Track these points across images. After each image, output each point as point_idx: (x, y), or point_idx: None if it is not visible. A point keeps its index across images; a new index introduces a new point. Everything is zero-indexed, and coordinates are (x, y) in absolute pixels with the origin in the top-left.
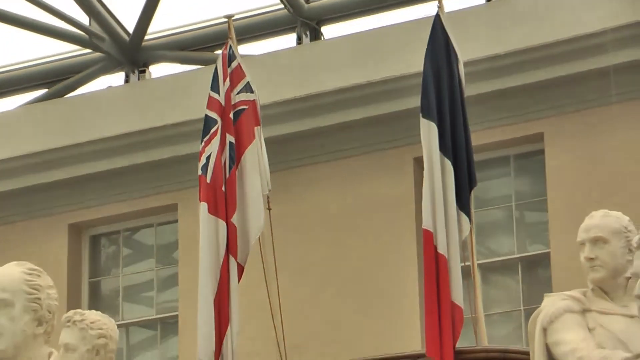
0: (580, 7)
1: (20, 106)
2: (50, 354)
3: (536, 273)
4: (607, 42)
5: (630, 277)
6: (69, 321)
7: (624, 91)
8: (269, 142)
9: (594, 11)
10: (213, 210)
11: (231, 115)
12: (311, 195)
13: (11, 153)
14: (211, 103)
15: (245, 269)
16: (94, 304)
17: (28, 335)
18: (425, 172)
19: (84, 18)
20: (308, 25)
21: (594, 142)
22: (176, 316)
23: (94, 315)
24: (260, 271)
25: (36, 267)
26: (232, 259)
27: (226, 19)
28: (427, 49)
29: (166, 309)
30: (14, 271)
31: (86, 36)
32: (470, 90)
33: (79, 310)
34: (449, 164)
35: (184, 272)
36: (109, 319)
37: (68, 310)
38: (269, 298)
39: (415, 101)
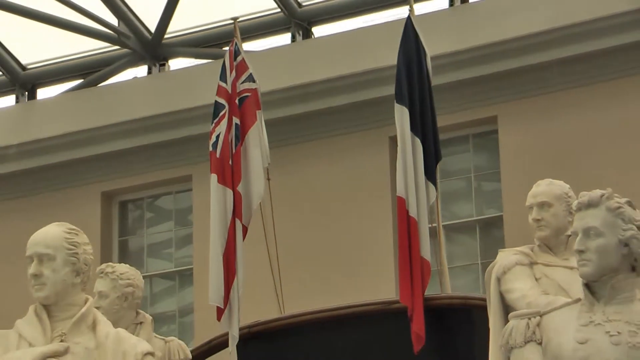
0: (526, 11)
1: (61, 93)
2: (86, 300)
3: (491, 233)
4: (550, 39)
5: (570, 235)
6: (102, 272)
7: (566, 81)
8: (268, 123)
9: (539, 14)
10: (222, 181)
11: (237, 101)
12: (304, 167)
13: (53, 132)
14: (220, 91)
15: (248, 230)
16: (123, 259)
17: (68, 284)
18: (398, 149)
19: (113, 20)
20: (300, 25)
21: (540, 123)
22: (191, 269)
23: (123, 267)
24: (261, 231)
25: (74, 227)
26: (237, 221)
27: (232, 21)
28: (400, 46)
29: (183, 263)
30: (55, 230)
31: (115, 35)
32: (436, 80)
33: (110, 263)
34: (418, 142)
35: (198, 232)
36: (135, 270)
37: (101, 263)
38: (268, 254)
39: (390, 89)
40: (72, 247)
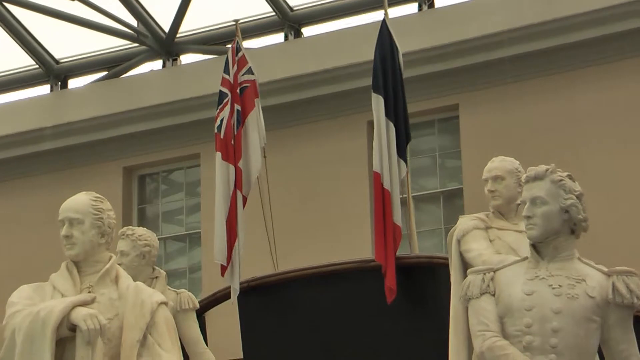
0: (484, 15)
1: (89, 83)
2: (110, 258)
3: (453, 202)
4: (504, 39)
5: (519, 204)
6: (123, 234)
7: (517, 74)
8: (265, 109)
9: (495, 17)
10: (225, 157)
11: (238, 91)
12: (295, 147)
13: (82, 116)
14: (224, 82)
15: (247, 199)
16: (141, 223)
17: (94, 244)
18: (375, 131)
19: (133, 21)
20: (292, 26)
21: (495, 110)
22: (199, 232)
23: (141, 230)
24: (258, 201)
25: (99, 196)
26: (238, 192)
27: (234, 23)
28: (376, 44)
29: (192, 227)
30: (83, 198)
31: (135, 34)
32: (406, 73)
33: (130, 226)
34: (391, 125)
35: (205, 202)
36: (151, 233)
37: (122, 227)
38: (264, 220)
39: (368, 81)
40: (98, 213)
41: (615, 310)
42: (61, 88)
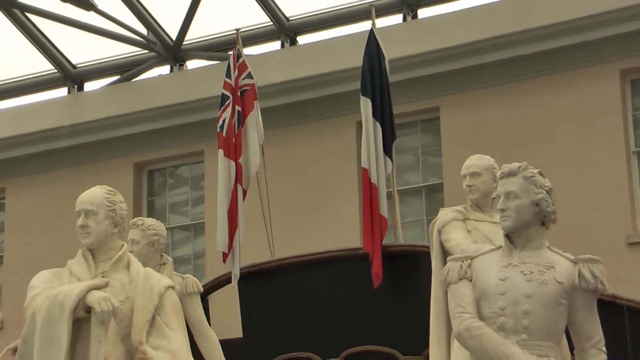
0: (463, 24)
1: (103, 86)
2: (122, 246)
3: (434, 196)
4: (482, 47)
5: (494, 198)
6: (134, 224)
7: (494, 79)
8: (263, 110)
9: (473, 26)
10: (227, 154)
11: (238, 93)
12: (290, 145)
13: (97, 116)
14: (226, 85)
15: (247, 192)
16: (150, 214)
17: (107, 233)
18: (363, 131)
19: (143, 30)
20: (288, 35)
21: (472, 112)
22: (203, 222)
23: (150, 220)
24: (257, 194)
25: (112, 189)
26: (239, 186)
27: (235, 31)
28: (365, 51)
29: (196, 218)
30: (98, 191)
31: (145, 42)
32: (392, 77)
33: (140, 217)
34: (378, 125)
35: (208, 194)
36: (160, 223)
37: (133, 217)
38: (262, 211)
39: (357, 84)
40: (111, 205)
41: (581, 295)
42: (78, 91)
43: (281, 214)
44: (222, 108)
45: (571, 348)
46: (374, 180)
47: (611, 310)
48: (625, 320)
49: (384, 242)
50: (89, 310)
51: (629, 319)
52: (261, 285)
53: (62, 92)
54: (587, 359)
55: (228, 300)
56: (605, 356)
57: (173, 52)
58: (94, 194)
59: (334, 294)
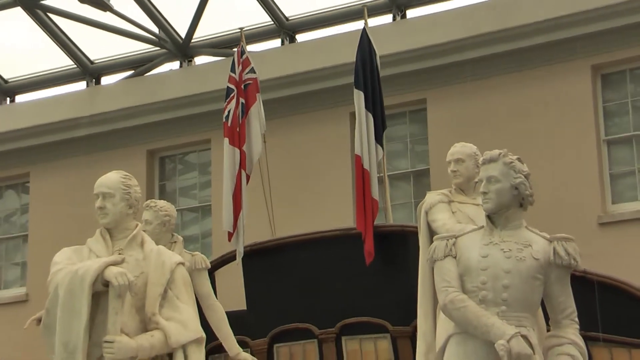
0: (447, 24)
1: (118, 80)
2: (136, 225)
3: (421, 180)
4: (464, 44)
5: (477, 182)
6: (147, 206)
7: (475, 74)
8: (265, 102)
9: (455, 26)
10: (232, 142)
11: (242, 87)
12: (290, 133)
13: (113, 108)
14: (230, 79)
15: (250, 177)
16: (162, 197)
17: (123, 214)
18: (356, 121)
19: (155, 28)
20: (287, 33)
21: (457, 104)
22: (210, 205)
23: (162, 203)
24: (259, 178)
25: (128, 174)
26: (243, 171)
27: (239, 30)
28: (358, 47)
29: (204, 200)
30: (114, 176)
31: (156, 39)
32: (383, 72)
33: (153, 200)
34: (370, 116)
35: (214, 179)
36: (171, 205)
37: (146, 200)
38: (264, 194)
39: (350, 78)
40: (126, 188)
41: (555, 270)
42: (95, 84)
43: (281, 196)
44: (227, 100)
45: (546, 319)
46: (366, 166)
47: (583, 284)
48: (596, 293)
49: (375, 222)
50: (106, 284)
51: (599, 292)
52: (263, 262)
53: (81, 85)
54: (561, 329)
55: (233, 275)
56: (577, 326)
57: (182, 49)
58: (111, 178)
59: (329, 270)
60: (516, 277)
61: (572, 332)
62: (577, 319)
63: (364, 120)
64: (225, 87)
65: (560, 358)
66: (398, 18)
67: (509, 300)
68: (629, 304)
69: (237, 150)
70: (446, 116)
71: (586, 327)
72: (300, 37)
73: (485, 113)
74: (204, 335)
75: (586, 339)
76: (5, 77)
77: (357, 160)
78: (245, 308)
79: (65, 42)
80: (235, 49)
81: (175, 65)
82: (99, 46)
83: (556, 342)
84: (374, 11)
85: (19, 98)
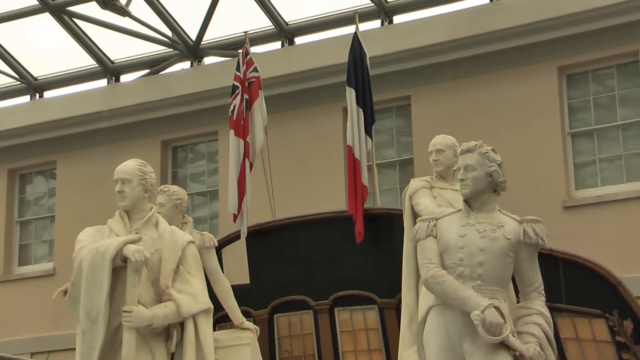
0: (429, 29)
1: (136, 78)
2: (151, 208)
3: (406, 168)
4: (445, 47)
5: (455, 170)
6: (161, 191)
7: (456, 74)
8: (266, 98)
9: (437, 30)
10: (237, 134)
11: (246, 84)
12: (288, 126)
13: (131, 102)
14: (236, 77)
15: (253, 165)
16: (174, 182)
17: (140, 197)
18: (348, 115)
19: (168, 32)
20: (287, 36)
21: (439, 100)
22: (217, 189)
23: (174, 187)
24: (261, 166)
25: (144, 161)
26: (247, 160)
27: (244, 33)
28: (350, 49)
29: (212, 185)
30: (132, 164)
31: (169, 42)
32: (372, 71)
33: (166, 185)
34: (360, 111)
35: (221, 167)
36: (182, 190)
37: (160, 185)
38: (265, 180)
39: (343, 77)
40: (142, 174)
41: (524, 248)
42: (115, 82)
43: (281, 182)
44: (232, 96)
45: (516, 292)
46: (357, 155)
47: (549, 261)
48: (560, 269)
49: (365, 206)
50: (125, 260)
51: (563, 268)
52: (265, 241)
53: (102, 82)
54: (529, 301)
55: (238, 253)
56: (544, 298)
57: (193, 50)
58: (129, 166)
59: (324, 248)
60: (490, 255)
61: (539, 303)
62: (543, 292)
63: (355, 115)
64: (231, 84)
65: (528, 327)
66: (386, 23)
67: (483, 275)
68: (590, 279)
69: (242, 141)
70: (428, 111)
71: (551, 299)
72: (299, 40)
73: (463, 108)
74: (212, 306)
75: (552, 309)
76: (35, 75)
77: (349, 150)
78: (248, 282)
79: (88, 44)
80: (240, 50)
81: (186, 65)
82: (118, 48)
83: (525, 313)
84: (364, 17)
85: (47, 94)
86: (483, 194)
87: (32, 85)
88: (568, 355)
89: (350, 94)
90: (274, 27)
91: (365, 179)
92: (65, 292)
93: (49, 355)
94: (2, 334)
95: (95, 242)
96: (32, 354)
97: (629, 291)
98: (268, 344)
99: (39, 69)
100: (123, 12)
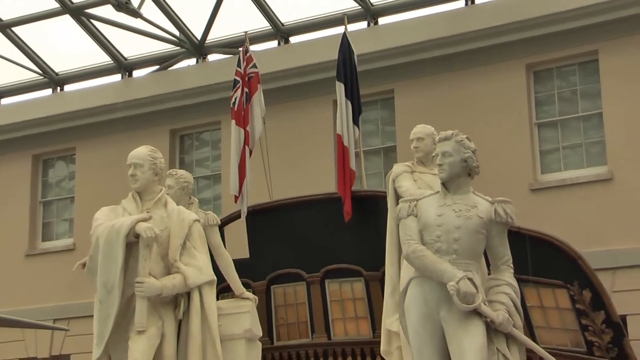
0: (413, 29)
1: (147, 74)
2: (161, 189)
3: (389, 155)
4: (427, 46)
5: (434, 156)
6: (170, 174)
7: (437, 69)
8: (264, 91)
9: (417, 31)
10: (238, 124)
11: (246, 79)
12: (284, 117)
13: (142, 95)
14: (237, 73)
15: (252, 151)
16: (182, 167)
17: (150, 180)
18: (338, 107)
19: (175, 31)
20: (282, 36)
21: (420, 93)
22: (220, 173)
23: (182, 171)
24: (259, 152)
25: (154, 148)
26: (247, 147)
27: (244, 33)
28: (339, 47)
29: (215, 170)
30: (143, 150)
31: (177, 40)
32: (359, 67)
33: (174, 169)
34: (349, 103)
35: (224, 153)
36: (189, 173)
37: (169, 169)
38: (263, 165)
39: (333, 72)
40: (153, 159)
41: (495, 226)
42: (128, 76)
43: (277, 167)
44: (234, 89)
45: (488, 265)
46: (345, 143)
47: (517, 238)
48: (527, 245)
49: (352, 188)
50: (137, 236)
51: (529, 244)
52: (263, 220)
53: (117, 77)
54: (499, 273)
55: (239, 230)
56: (512, 271)
57: (198, 48)
58: (140, 152)
59: (316, 226)
60: (464, 232)
61: (508, 275)
62: (512, 265)
63: (344, 106)
64: (233, 79)
65: (498, 296)
66: (372, 24)
67: (458, 250)
68: (553, 253)
69: (242, 130)
70: (410, 103)
71: (519, 271)
72: (293, 39)
73: (441, 101)
74: (215, 277)
75: (519, 281)
76: (56, 70)
77: (338, 139)
78: (248, 256)
79: (104, 42)
80: (241, 49)
81: (192, 61)
82: (131, 46)
83: (495, 284)
84: (353, 19)
85: (67, 87)
86: (459, 177)
87: (53, 80)
88: (534, 321)
89: (340, 87)
90: (271, 27)
91: (353, 164)
92: (84, 265)
93: (69, 322)
94: (28, 302)
95: (111, 220)
96: (55, 320)
97: (588, 264)
98: (266, 312)
99: (59, 65)
100: (135, 14)
